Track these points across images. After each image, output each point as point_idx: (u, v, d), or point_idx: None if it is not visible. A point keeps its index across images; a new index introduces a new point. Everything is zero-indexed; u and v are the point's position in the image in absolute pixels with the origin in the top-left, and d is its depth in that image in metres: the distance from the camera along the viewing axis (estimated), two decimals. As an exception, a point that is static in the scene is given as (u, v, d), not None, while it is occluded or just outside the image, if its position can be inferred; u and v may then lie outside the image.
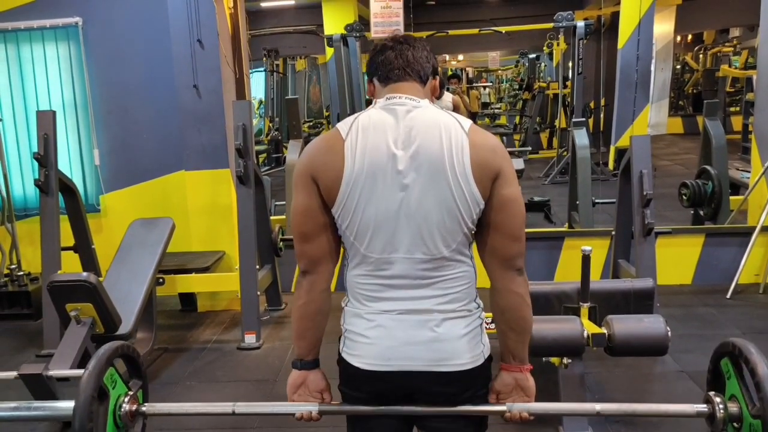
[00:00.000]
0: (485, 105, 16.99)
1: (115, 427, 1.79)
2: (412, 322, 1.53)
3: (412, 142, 1.48)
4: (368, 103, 1.60)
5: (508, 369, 1.61)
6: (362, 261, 1.54)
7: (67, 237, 4.42)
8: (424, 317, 1.53)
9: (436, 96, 1.65)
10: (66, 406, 1.88)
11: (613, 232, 4.51)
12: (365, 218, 1.49)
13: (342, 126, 1.53)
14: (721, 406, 1.73)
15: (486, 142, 1.50)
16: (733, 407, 1.71)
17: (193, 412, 1.87)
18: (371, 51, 1.63)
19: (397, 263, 1.51)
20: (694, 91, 14.50)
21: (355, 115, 1.55)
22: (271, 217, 4.92)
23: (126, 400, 1.83)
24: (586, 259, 2.82)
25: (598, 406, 1.78)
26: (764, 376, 1.60)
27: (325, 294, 1.59)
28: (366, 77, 1.67)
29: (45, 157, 4.16)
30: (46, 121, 4.21)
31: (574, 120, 6.23)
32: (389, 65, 1.56)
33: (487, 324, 1.65)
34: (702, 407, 1.77)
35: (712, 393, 1.77)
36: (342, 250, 1.61)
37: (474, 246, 1.58)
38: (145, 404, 1.87)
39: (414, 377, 1.54)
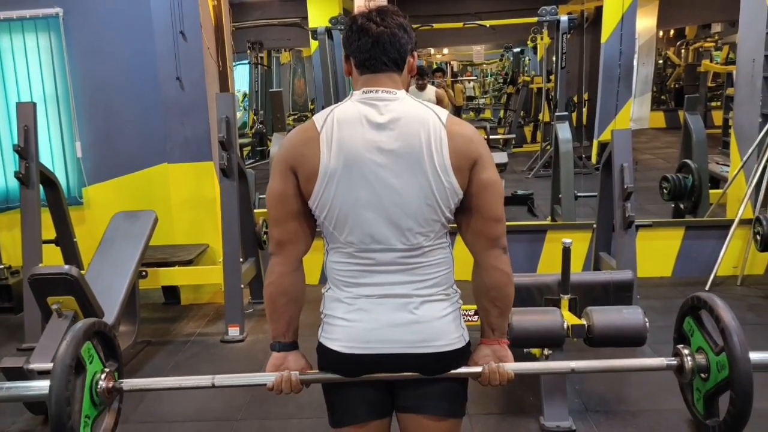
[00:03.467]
0: (470, 99, 17.06)
1: (91, 404, 1.77)
2: (391, 305, 1.55)
3: (390, 135, 1.49)
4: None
5: (487, 342, 1.64)
6: (341, 249, 1.57)
7: (49, 230, 4.39)
8: (403, 300, 1.55)
9: (413, 75, 1.65)
10: (41, 384, 1.83)
11: (595, 225, 4.56)
12: (343, 209, 1.51)
13: (317, 118, 1.54)
14: (689, 357, 1.84)
15: (463, 131, 1.53)
16: (700, 358, 1.83)
17: (171, 386, 1.87)
18: (347, 23, 1.59)
19: (376, 252, 1.53)
20: (676, 85, 14.63)
21: (332, 107, 1.56)
22: (255, 210, 4.91)
23: (103, 376, 1.81)
24: (566, 252, 2.86)
25: (573, 364, 1.85)
26: (722, 311, 1.73)
27: (291, 276, 1.59)
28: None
29: (26, 149, 4.12)
30: (27, 113, 4.17)
31: (557, 114, 6.29)
32: (366, 53, 1.54)
33: (470, 317, 1.67)
34: (671, 360, 1.87)
35: (680, 346, 1.87)
36: (321, 242, 1.62)
37: (453, 233, 1.60)
38: (122, 380, 1.86)
39: (394, 360, 1.56)
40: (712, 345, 1.78)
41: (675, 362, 1.85)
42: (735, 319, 1.73)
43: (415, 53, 1.62)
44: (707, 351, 1.80)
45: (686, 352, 1.84)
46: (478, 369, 1.63)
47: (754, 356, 1.73)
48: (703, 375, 1.81)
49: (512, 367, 1.65)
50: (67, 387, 1.66)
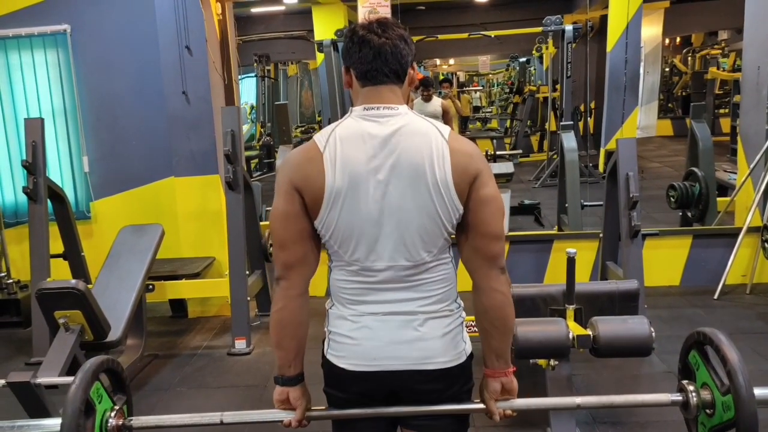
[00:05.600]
0: (476, 109, 17.05)
1: None
2: (396, 323, 1.55)
3: (392, 152, 1.49)
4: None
5: (494, 375, 1.62)
6: (346, 267, 1.56)
7: (56, 244, 4.42)
8: (407, 318, 1.55)
9: (414, 87, 1.64)
10: (52, 422, 1.86)
11: (602, 235, 4.54)
12: (348, 228, 1.51)
13: (319, 138, 1.53)
14: (693, 393, 1.82)
15: (465, 148, 1.53)
16: (705, 394, 1.80)
17: (180, 424, 1.88)
18: (347, 34, 1.57)
19: (381, 270, 1.53)
20: (684, 93, 14.57)
21: (333, 125, 1.55)
22: (262, 223, 4.93)
23: (112, 414, 1.83)
24: (570, 262, 2.84)
25: (578, 400, 1.85)
26: (728, 350, 1.70)
27: (299, 300, 1.57)
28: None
29: (33, 164, 4.16)
30: (35, 129, 4.21)
31: (562, 123, 6.26)
32: (368, 65, 1.52)
33: (472, 326, 1.67)
34: (676, 396, 1.85)
35: (685, 381, 1.85)
36: (326, 256, 1.62)
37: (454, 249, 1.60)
38: (132, 418, 1.88)
39: (399, 376, 1.56)
40: (717, 384, 1.75)
41: (680, 398, 1.83)
42: (740, 359, 1.70)
43: (415, 65, 1.62)
44: (713, 388, 1.77)
45: (691, 388, 1.82)
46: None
47: (759, 392, 1.70)
48: (708, 411, 1.79)
49: (519, 404, 1.67)
50: (77, 431, 1.69)
